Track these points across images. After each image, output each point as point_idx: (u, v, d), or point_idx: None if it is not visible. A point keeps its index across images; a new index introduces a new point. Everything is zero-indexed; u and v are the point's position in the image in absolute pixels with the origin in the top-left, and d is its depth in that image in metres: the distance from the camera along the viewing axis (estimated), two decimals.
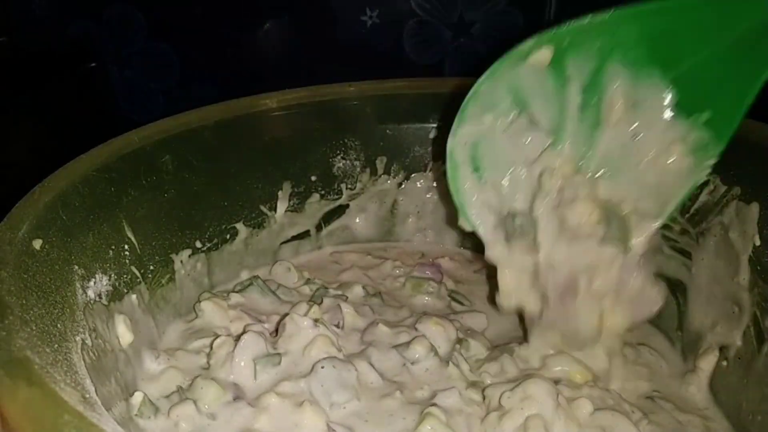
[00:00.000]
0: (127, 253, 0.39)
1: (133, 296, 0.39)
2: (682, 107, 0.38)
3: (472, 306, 0.49)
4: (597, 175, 0.40)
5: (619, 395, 0.40)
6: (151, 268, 0.42)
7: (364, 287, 0.48)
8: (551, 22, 0.74)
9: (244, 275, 0.50)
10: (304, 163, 0.51)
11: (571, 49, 0.39)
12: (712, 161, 0.38)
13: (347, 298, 0.46)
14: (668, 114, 0.38)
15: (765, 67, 0.35)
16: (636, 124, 0.39)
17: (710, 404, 0.42)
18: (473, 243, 0.58)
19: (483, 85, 0.41)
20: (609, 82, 0.39)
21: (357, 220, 0.55)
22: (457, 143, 0.42)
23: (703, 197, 0.44)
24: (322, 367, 0.37)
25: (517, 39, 0.75)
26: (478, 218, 0.43)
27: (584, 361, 0.41)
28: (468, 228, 0.43)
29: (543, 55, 0.39)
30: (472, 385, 0.39)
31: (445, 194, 0.56)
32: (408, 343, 0.41)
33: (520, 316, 0.45)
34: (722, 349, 0.43)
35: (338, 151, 0.52)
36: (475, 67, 0.77)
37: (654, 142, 0.39)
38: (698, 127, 0.38)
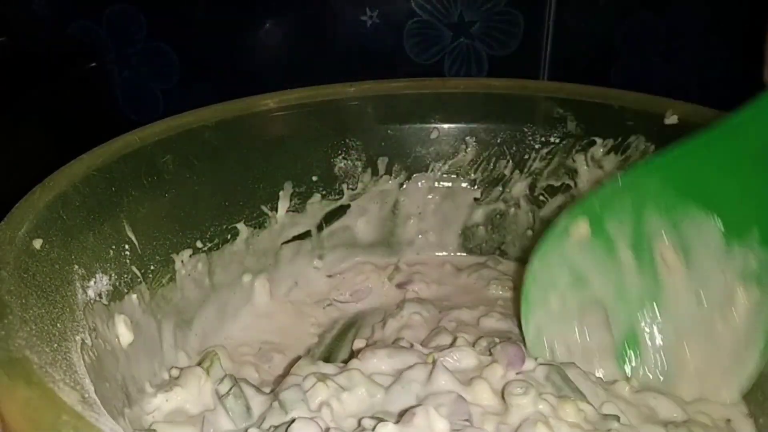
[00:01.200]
0: (127, 252, 0.39)
1: (134, 296, 0.39)
2: (731, 234, 0.36)
3: None
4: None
5: None
6: (152, 267, 0.42)
7: None
8: (551, 22, 0.74)
9: (246, 280, 0.50)
10: (305, 164, 0.51)
11: (606, 212, 0.38)
12: None
13: None
14: (720, 245, 0.37)
15: None
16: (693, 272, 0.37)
17: None
18: (476, 246, 0.58)
19: (535, 266, 0.40)
20: (653, 234, 0.38)
21: (358, 221, 0.55)
22: (531, 332, 0.40)
23: None
24: None
25: (518, 39, 0.75)
26: None
27: None
28: None
29: (582, 227, 0.39)
30: None
31: (446, 195, 0.56)
32: None
33: None
34: None
35: (339, 151, 0.52)
36: (476, 67, 0.77)
37: (716, 288, 0.37)
38: (754, 249, 0.36)
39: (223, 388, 0.35)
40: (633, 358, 0.39)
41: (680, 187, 0.37)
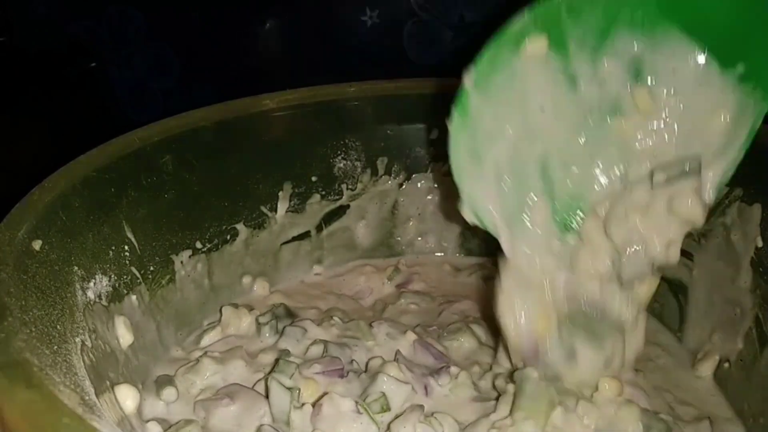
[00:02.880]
0: (127, 253, 0.39)
1: (133, 297, 0.39)
2: (710, 67, 0.33)
3: None
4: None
5: None
6: (151, 268, 0.42)
7: None
8: None
9: (246, 281, 0.50)
10: (305, 164, 0.51)
11: (570, 22, 0.33)
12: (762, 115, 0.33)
13: None
14: (694, 78, 0.33)
15: None
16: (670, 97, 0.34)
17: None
18: (475, 246, 0.58)
19: (474, 85, 0.35)
20: (621, 56, 0.34)
21: (358, 222, 0.55)
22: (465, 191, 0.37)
23: None
24: None
25: None
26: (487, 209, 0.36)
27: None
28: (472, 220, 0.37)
29: (538, 43, 0.34)
30: None
31: (446, 196, 0.56)
32: None
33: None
34: (724, 351, 0.43)
35: (339, 152, 0.52)
36: None
37: (693, 106, 0.34)
38: (735, 86, 0.33)
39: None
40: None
41: (664, 7, 0.33)
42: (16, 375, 0.24)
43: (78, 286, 0.33)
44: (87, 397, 0.26)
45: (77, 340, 0.30)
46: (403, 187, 0.55)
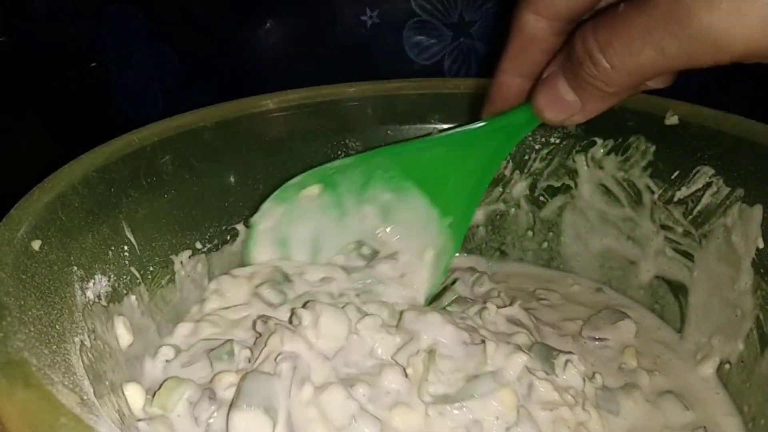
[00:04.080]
0: (126, 254, 0.39)
1: (133, 297, 0.39)
2: (432, 213, 0.47)
3: None
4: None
5: None
6: (151, 269, 0.41)
7: None
8: None
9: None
10: (305, 164, 0.51)
11: (338, 175, 0.47)
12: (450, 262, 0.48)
13: None
14: (422, 217, 0.48)
15: (486, 176, 0.46)
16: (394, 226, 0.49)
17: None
18: (475, 246, 0.58)
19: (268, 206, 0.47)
20: (373, 195, 0.48)
21: None
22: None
23: (706, 199, 0.44)
24: None
25: None
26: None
27: None
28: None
29: (313, 189, 0.47)
30: None
31: None
32: None
33: None
34: (724, 353, 0.43)
35: (339, 152, 0.52)
36: (475, 67, 0.77)
37: (415, 242, 0.48)
38: (444, 231, 0.47)
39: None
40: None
41: (406, 169, 0.47)
42: (14, 374, 0.23)
43: (77, 286, 0.33)
44: (85, 397, 0.26)
45: (76, 339, 0.30)
46: None
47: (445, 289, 0.50)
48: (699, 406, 0.42)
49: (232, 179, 0.48)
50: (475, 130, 0.44)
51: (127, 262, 0.39)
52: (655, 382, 0.43)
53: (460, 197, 0.47)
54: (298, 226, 0.48)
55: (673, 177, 0.47)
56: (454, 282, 0.51)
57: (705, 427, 0.39)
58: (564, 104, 0.36)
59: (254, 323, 0.41)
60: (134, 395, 0.34)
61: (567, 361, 0.39)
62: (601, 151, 0.51)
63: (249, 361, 0.38)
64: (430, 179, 0.47)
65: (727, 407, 0.41)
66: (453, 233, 0.47)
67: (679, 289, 0.48)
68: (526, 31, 0.39)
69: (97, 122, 0.77)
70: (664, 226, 0.48)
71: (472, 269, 0.53)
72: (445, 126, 0.53)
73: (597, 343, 0.47)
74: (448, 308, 0.46)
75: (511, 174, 0.54)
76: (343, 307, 0.41)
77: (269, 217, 0.47)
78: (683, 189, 0.46)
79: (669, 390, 0.42)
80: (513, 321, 0.44)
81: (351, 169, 0.47)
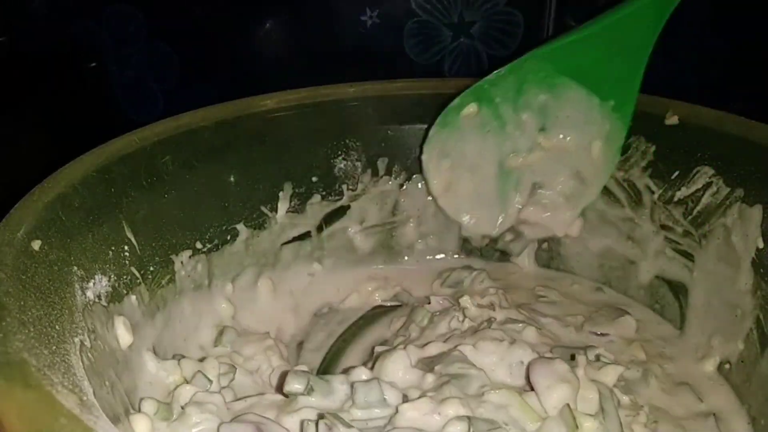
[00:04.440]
0: (126, 254, 0.39)
1: (133, 297, 0.39)
2: (594, 102, 0.49)
3: None
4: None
5: None
6: (151, 269, 0.41)
7: None
8: (551, 22, 0.73)
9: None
10: (305, 164, 0.51)
11: (493, 90, 0.49)
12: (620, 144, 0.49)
13: None
14: (585, 109, 0.49)
15: (643, 52, 0.47)
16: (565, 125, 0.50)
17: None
18: (475, 247, 0.58)
19: (433, 133, 0.51)
20: (532, 100, 0.49)
21: (358, 223, 0.55)
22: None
23: (706, 199, 0.44)
24: None
25: (517, 39, 0.75)
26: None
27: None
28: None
29: (471, 108, 0.50)
30: None
31: None
32: None
33: None
34: (725, 352, 0.43)
35: (339, 152, 0.52)
36: (476, 67, 0.77)
37: (580, 135, 0.50)
38: (609, 116, 0.49)
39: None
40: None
41: (557, 65, 0.48)
42: (13, 375, 0.23)
43: (77, 286, 0.33)
44: (85, 398, 0.25)
45: (76, 340, 0.30)
46: (404, 187, 0.55)
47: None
48: (708, 397, 0.42)
49: (232, 179, 0.48)
50: (622, 8, 0.46)
51: (127, 262, 0.39)
52: (668, 372, 0.44)
53: (620, 77, 0.47)
54: (463, 145, 0.50)
55: (673, 177, 0.47)
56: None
57: (715, 414, 0.39)
58: None
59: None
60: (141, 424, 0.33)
61: (598, 355, 0.40)
62: None
63: None
64: (584, 69, 0.48)
65: (734, 400, 0.42)
66: (619, 114, 0.48)
67: (679, 289, 0.48)
68: None
69: (97, 122, 0.77)
70: (664, 226, 0.48)
71: (469, 267, 0.53)
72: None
73: (601, 337, 0.46)
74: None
75: None
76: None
77: (436, 144, 0.50)
78: (683, 189, 0.46)
79: (683, 381, 0.43)
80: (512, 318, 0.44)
81: (503, 80, 0.49)
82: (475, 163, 0.52)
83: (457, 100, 0.49)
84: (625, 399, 0.38)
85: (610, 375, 0.38)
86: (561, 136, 0.50)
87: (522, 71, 0.48)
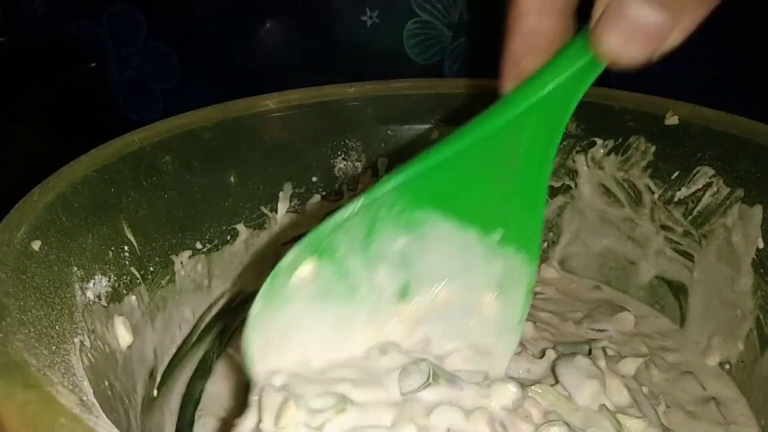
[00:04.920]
0: (126, 254, 0.39)
1: (133, 297, 0.39)
2: (472, 237, 0.35)
3: None
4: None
5: None
6: (151, 269, 0.41)
7: None
8: None
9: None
10: (305, 164, 0.51)
11: (335, 239, 0.34)
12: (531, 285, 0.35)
13: None
14: (460, 249, 0.35)
15: (543, 154, 0.33)
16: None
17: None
18: None
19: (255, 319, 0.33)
20: (389, 246, 0.34)
21: None
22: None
23: (706, 199, 0.44)
24: None
25: None
26: None
27: None
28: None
29: (306, 268, 0.34)
30: None
31: None
32: None
33: None
34: (724, 353, 0.43)
35: (339, 152, 0.52)
36: (476, 67, 0.76)
37: (462, 290, 0.35)
38: (497, 253, 0.35)
39: None
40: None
41: (415, 196, 0.33)
42: (13, 375, 0.23)
43: (77, 286, 0.33)
44: (85, 398, 0.25)
45: (76, 340, 0.30)
46: None
47: None
48: (711, 385, 0.42)
49: (232, 179, 0.48)
50: (504, 110, 0.32)
51: (127, 262, 0.39)
52: (671, 362, 0.44)
53: (507, 192, 0.34)
54: (303, 324, 0.34)
55: (673, 177, 0.47)
56: None
57: (715, 398, 0.40)
58: (649, 30, 0.27)
59: None
60: None
61: (603, 348, 0.40)
62: (601, 151, 0.51)
63: None
64: (452, 196, 0.34)
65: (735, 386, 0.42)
66: (516, 247, 0.35)
67: (679, 290, 0.48)
68: None
69: (97, 122, 0.77)
70: (664, 227, 0.48)
71: None
72: (446, 126, 0.53)
73: (600, 333, 0.47)
74: None
75: None
76: None
77: (262, 325, 0.33)
78: (683, 189, 0.46)
79: (687, 371, 0.43)
80: None
81: (348, 223, 0.34)
82: (318, 351, 0.34)
83: (288, 258, 0.33)
84: (645, 389, 0.38)
85: (629, 366, 0.38)
86: (432, 294, 0.35)
87: (370, 208, 0.33)
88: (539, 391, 0.34)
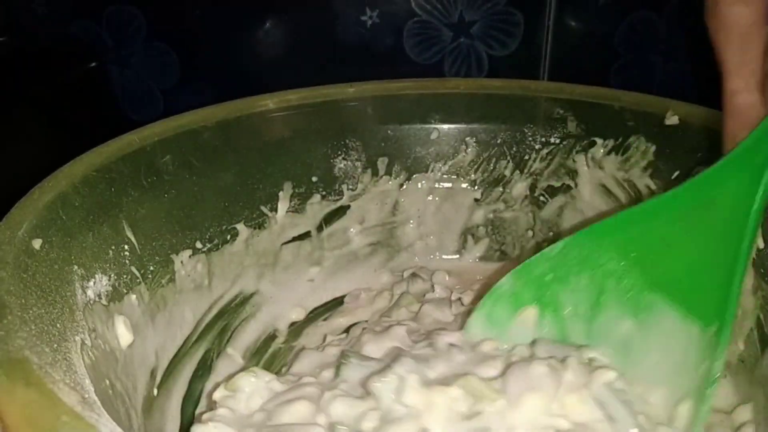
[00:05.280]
0: (127, 253, 0.39)
1: (133, 297, 0.39)
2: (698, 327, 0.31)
3: None
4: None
5: None
6: (151, 268, 0.41)
7: None
8: (551, 22, 0.74)
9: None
10: (305, 164, 0.51)
11: (559, 289, 0.32)
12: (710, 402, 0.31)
13: None
14: (681, 346, 0.31)
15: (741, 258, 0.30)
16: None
17: None
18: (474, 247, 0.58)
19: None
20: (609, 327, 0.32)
21: (358, 222, 0.55)
22: None
23: None
24: None
25: (518, 39, 0.75)
26: None
27: None
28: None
29: (529, 312, 0.33)
30: None
31: (446, 196, 0.56)
32: None
33: None
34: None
35: (339, 152, 0.52)
36: (476, 67, 0.77)
37: (665, 395, 0.32)
38: (705, 349, 0.31)
39: None
40: None
41: (649, 273, 0.31)
42: (15, 373, 0.23)
43: (78, 285, 0.33)
44: (86, 396, 0.25)
45: (77, 338, 0.30)
46: (404, 187, 0.55)
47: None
48: None
49: (232, 179, 0.48)
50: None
51: (127, 261, 0.39)
52: None
53: (715, 287, 0.30)
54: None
55: (673, 177, 0.47)
56: None
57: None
58: None
59: None
60: None
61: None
62: (601, 151, 0.51)
63: None
64: (679, 278, 0.30)
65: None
66: (715, 344, 0.30)
67: None
68: (738, 29, 0.30)
69: (97, 122, 0.77)
70: None
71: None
72: (446, 126, 0.54)
73: None
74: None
75: (512, 174, 0.54)
76: None
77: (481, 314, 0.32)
78: None
79: None
80: None
81: (575, 276, 0.31)
82: None
83: (507, 285, 0.33)
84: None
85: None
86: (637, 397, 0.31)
87: (598, 274, 0.31)
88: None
